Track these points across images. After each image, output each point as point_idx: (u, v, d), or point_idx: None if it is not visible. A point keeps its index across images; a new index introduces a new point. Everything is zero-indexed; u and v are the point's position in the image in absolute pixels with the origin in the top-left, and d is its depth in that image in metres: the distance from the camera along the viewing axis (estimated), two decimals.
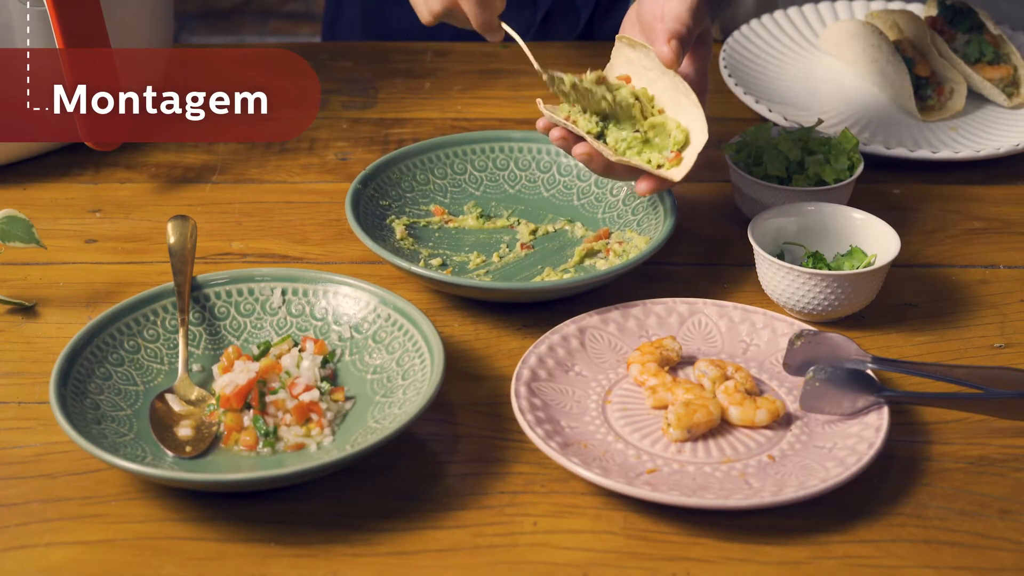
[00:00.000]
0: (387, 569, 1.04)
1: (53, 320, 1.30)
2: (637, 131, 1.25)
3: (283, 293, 1.26)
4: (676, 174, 1.23)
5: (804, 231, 1.33)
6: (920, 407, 1.19)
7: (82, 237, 1.42)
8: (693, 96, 1.24)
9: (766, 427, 1.15)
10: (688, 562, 1.04)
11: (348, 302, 1.25)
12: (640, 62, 1.28)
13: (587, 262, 1.35)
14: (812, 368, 1.16)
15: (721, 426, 1.15)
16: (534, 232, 1.40)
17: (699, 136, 1.23)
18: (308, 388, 1.17)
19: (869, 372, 1.17)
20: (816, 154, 1.41)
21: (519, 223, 1.41)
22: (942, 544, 1.06)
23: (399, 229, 1.39)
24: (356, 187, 1.39)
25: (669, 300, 1.27)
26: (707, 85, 1.31)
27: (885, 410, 1.14)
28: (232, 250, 1.40)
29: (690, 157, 1.23)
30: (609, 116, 1.27)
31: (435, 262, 1.35)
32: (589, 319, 1.24)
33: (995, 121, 1.62)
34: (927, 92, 1.62)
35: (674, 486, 1.08)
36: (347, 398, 1.19)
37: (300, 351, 1.21)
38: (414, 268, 1.28)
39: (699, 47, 1.29)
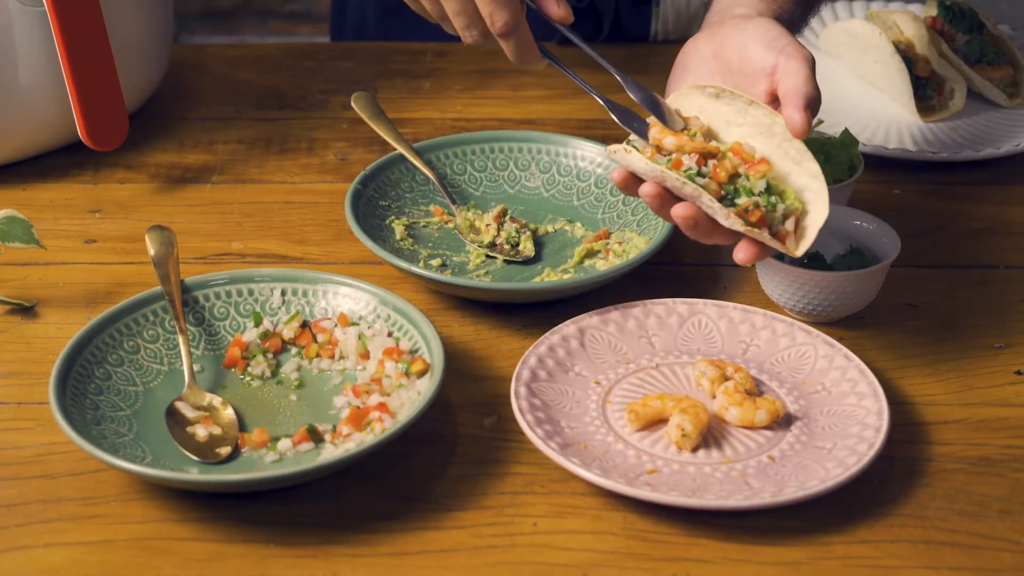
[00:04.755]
0: (387, 570, 1.04)
1: (52, 320, 1.30)
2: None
3: (283, 293, 1.26)
4: (798, 248, 1.11)
5: None
6: (920, 408, 1.18)
7: (82, 237, 1.42)
8: (815, 165, 1.09)
9: (766, 428, 1.15)
10: (688, 563, 1.04)
11: (348, 302, 1.25)
12: (723, 115, 1.12)
13: (587, 262, 1.35)
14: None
15: (721, 427, 1.15)
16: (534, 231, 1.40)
17: (820, 213, 1.09)
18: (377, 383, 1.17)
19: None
20: (816, 154, 1.41)
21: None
22: (942, 544, 1.06)
23: (399, 229, 1.39)
24: (356, 187, 1.39)
25: (669, 300, 1.27)
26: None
27: (885, 411, 1.13)
28: (232, 250, 1.40)
29: (812, 230, 1.09)
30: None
31: (435, 262, 1.35)
32: (589, 319, 1.24)
33: (995, 121, 1.62)
34: (927, 92, 1.62)
35: (674, 487, 1.08)
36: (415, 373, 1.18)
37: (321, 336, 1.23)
38: (414, 268, 1.28)
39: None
